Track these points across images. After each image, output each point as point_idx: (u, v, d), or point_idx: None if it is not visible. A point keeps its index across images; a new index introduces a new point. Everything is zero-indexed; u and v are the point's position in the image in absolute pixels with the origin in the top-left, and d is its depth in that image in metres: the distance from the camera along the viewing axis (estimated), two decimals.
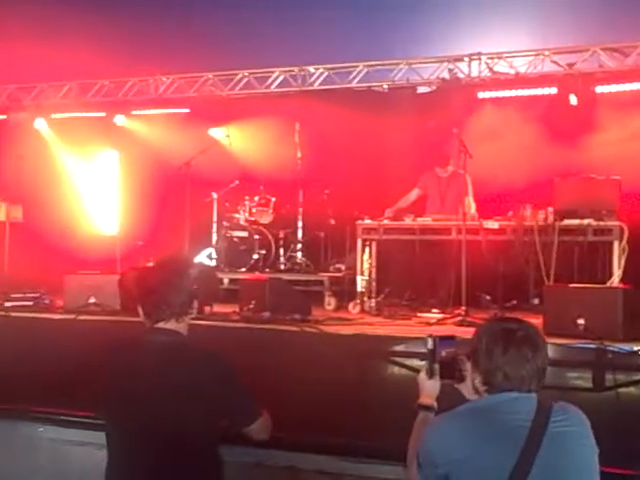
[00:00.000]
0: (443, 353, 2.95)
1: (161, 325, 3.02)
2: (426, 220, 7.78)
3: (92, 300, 7.26)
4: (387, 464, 3.36)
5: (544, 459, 2.36)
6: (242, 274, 8.87)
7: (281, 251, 9.39)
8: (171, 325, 3.03)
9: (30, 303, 7.69)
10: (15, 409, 4.31)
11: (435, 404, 2.93)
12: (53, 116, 11.66)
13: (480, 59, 9.34)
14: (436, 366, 2.94)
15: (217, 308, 7.12)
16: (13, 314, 7.06)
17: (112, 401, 2.99)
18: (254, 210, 9.41)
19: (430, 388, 2.95)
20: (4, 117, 11.98)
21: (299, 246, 9.37)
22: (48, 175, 11.26)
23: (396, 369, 5.17)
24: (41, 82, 11.74)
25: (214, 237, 9.58)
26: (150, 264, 7.80)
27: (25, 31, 10.18)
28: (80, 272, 7.92)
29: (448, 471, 2.48)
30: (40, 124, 11.63)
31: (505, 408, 2.47)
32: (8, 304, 7.46)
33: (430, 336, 3.00)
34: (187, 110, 11.02)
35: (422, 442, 2.60)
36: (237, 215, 9.43)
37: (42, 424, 4.12)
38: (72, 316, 6.87)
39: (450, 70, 9.44)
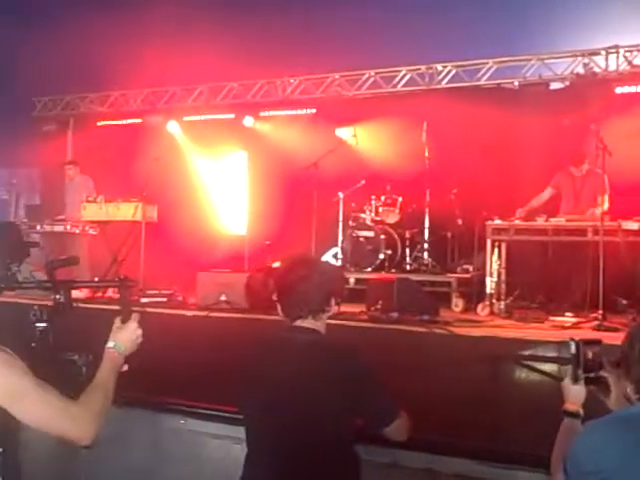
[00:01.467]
0: (589, 357, 2.81)
1: (299, 323, 3.03)
2: (560, 220, 7.51)
3: (223, 297, 7.42)
4: (526, 470, 3.24)
5: None
6: (368, 274, 8.85)
7: (407, 251, 9.29)
8: (309, 323, 3.03)
9: (164, 300, 7.96)
10: (155, 401, 4.44)
11: (581, 411, 2.79)
12: (185, 118, 12.07)
13: (618, 52, 8.98)
14: (580, 372, 2.80)
15: (343, 308, 7.12)
16: (149, 310, 7.30)
17: (252, 397, 3.01)
18: (380, 210, 9.38)
19: (575, 394, 2.81)
20: (139, 120, 12.47)
21: (426, 246, 9.24)
22: (180, 176, 11.65)
23: (527, 373, 5.02)
24: (174, 86, 12.16)
25: (340, 237, 9.59)
26: (276, 264, 7.92)
27: (158, 37, 10.55)
28: (212, 270, 8.12)
29: None
30: (173, 127, 12.05)
31: None
32: (144, 300, 7.74)
33: (573, 340, 2.86)
34: (314, 111, 11.13)
35: (571, 450, 2.48)
36: (363, 215, 9.42)
37: (182, 416, 4.22)
38: (204, 313, 7.05)
39: (585, 65, 9.12)
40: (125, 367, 2.67)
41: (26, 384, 2.30)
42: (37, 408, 2.30)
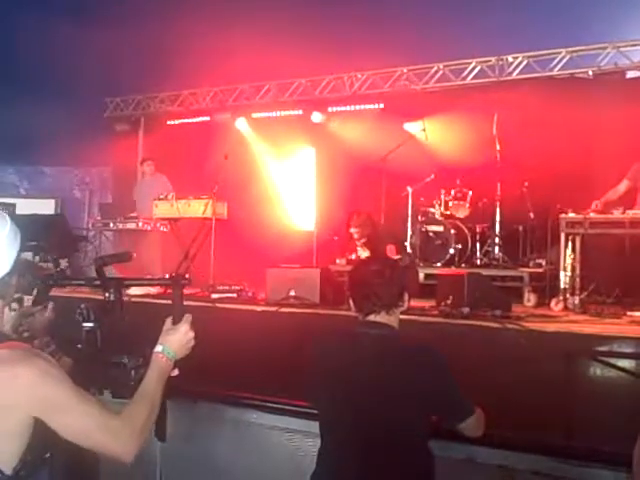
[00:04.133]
0: None
1: (372, 318, 3.01)
2: (637, 213, 7.29)
3: (292, 293, 7.44)
4: (606, 468, 3.15)
5: None
6: (438, 269, 8.77)
7: (477, 246, 9.17)
8: (382, 318, 3.01)
9: (234, 295, 8.04)
10: (227, 396, 4.48)
11: None
12: (253, 115, 12.17)
13: None
14: None
15: (413, 302, 7.06)
16: (219, 305, 7.39)
17: (327, 392, 3.02)
18: (450, 204, 9.27)
19: None
20: (208, 118, 12.62)
21: (497, 240, 9.09)
22: (249, 173, 11.76)
23: (604, 369, 4.88)
24: (242, 83, 12.26)
25: (409, 232, 9.51)
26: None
27: (226, 35, 10.65)
28: (281, 266, 8.16)
29: None
30: (241, 124, 12.16)
31: None
32: (214, 296, 7.83)
33: None
34: (382, 105, 11.07)
35: None
36: (432, 209, 9.32)
37: (254, 411, 4.25)
38: (274, 308, 7.08)
39: None
40: (175, 372, 2.50)
41: (62, 395, 2.16)
42: (74, 421, 2.17)
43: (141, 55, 11.56)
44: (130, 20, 11.37)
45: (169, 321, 2.56)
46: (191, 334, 2.53)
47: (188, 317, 2.56)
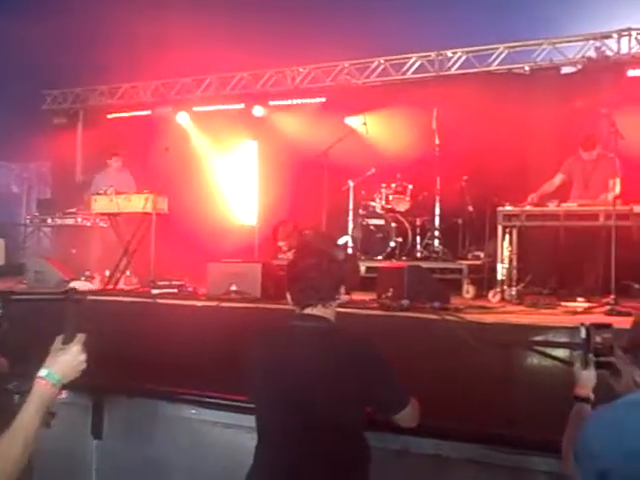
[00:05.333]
0: (598, 341, 2.79)
1: (309, 311, 3.02)
2: (571, 205, 7.46)
3: (233, 287, 7.41)
4: (538, 455, 3.23)
5: None
6: (378, 262, 8.83)
7: (418, 239, 9.27)
8: (318, 311, 3.02)
9: (175, 290, 7.95)
10: (166, 392, 4.44)
11: (592, 395, 2.78)
12: (195, 109, 12.06)
13: (630, 35, 8.91)
14: (591, 356, 2.78)
15: (354, 296, 7.11)
16: (160, 301, 7.32)
17: (261, 385, 3.02)
18: (391, 198, 9.34)
19: (585, 379, 2.80)
20: (149, 112, 12.47)
21: (436, 233, 9.21)
22: (190, 167, 11.65)
23: (539, 359, 4.98)
24: (183, 77, 12.14)
25: (350, 225, 9.56)
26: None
27: (167, 28, 10.54)
28: (223, 260, 8.12)
29: (608, 465, 2.33)
30: (182, 118, 12.05)
31: None
32: (155, 291, 7.74)
33: (583, 324, 2.84)
34: (323, 99, 11.10)
35: (581, 434, 2.46)
36: (373, 203, 9.39)
37: (193, 406, 4.22)
38: (214, 303, 7.04)
39: (597, 48, 9.04)
40: (63, 395, 2.25)
41: None
42: None
43: (80, 48, 11.36)
44: (69, 11, 11.16)
45: (59, 340, 2.27)
46: (83, 356, 2.25)
47: (81, 337, 2.28)
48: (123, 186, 9.65)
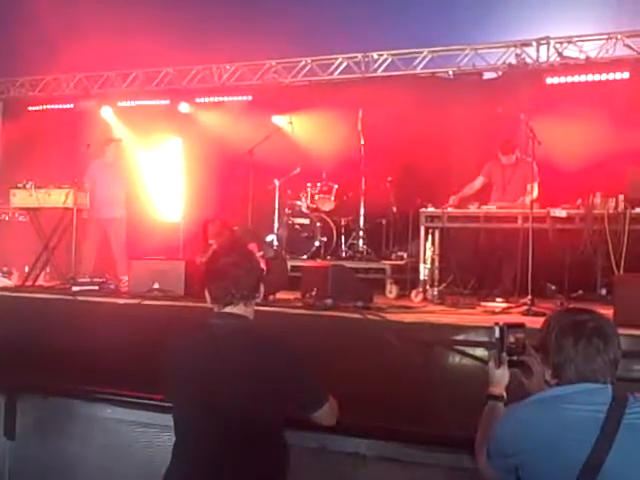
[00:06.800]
0: (512, 340, 2.87)
1: (229, 309, 3.01)
2: (491, 208, 7.65)
3: (156, 285, 7.34)
4: (453, 452, 3.30)
5: (619, 451, 2.28)
6: (303, 261, 8.88)
7: (342, 239, 9.36)
8: (239, 310, 3.01)
9: (96, 288, 7.83)
10: (81, 390, 4.36)
11: (504, 393, 2.86)
12: (119, 104, 11.86)
13: (549, 43, 9.14)
14: (504, 355, 2.86)
15: (278, 295, 7.13)
16: (80, 298, 7.18)
17: (179, 384, 2.99)
18: (316, 197, 9.40)
19: (499, 377, 2.88)
20: (71, 106, 12.21)
21: (361, 234, 9.31)
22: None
23: (459, 358, 5.10)
24: (107, 71, 11.92)
25: (276, 224, 9.58)
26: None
27: (91, 21, 10.33)
28: (145, 257, 8.03)
29: (520, 461, 2.42)
30: (106, 112, 11.83)
31: (579, 399, 2.39)
32: (75, 288, 7.59)
33: (497, 324, 2.92)
34: (250, 98, 11.08)
35: (493, 432, 2.54)
36: (299, 202, 9.43)
37: (106, 405, 4.15)
38: (136, 301, 6.95)
39: (517, 55, 9.28)
40: None
41: None
42: None
43: (0, 37, 11.02)
44: None
45: None
46: None
47: None
48: (117, 178, 9.41)
